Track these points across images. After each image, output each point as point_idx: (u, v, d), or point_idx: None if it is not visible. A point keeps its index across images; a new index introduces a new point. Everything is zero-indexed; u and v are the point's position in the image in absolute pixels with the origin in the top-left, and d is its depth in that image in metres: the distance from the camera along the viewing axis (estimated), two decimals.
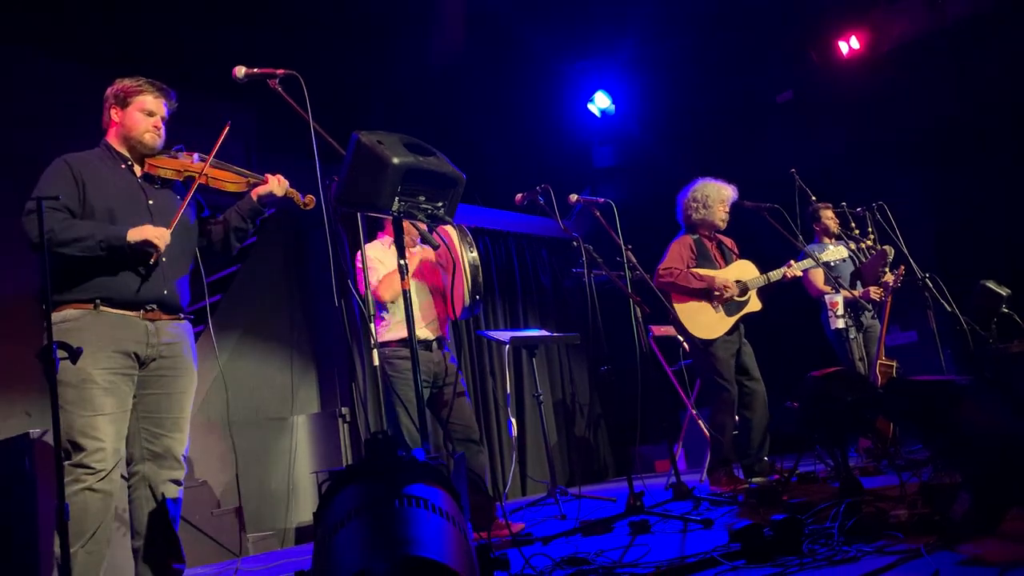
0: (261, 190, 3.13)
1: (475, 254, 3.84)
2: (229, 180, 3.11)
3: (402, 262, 2.80)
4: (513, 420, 6.20)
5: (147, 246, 2.77)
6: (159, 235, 2.78)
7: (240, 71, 2.89)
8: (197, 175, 2.98)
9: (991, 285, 4.99)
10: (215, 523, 4.65)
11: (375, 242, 4.19)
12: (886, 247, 5.18)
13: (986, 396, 2.45)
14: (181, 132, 3.16)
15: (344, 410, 5.66)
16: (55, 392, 2.35)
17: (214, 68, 3.20)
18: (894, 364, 5.11)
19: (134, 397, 2.83)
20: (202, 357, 5.14)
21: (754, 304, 4.82)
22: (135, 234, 2.76)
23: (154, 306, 2.87)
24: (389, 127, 2.88)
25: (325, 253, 2.85)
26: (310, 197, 3.20)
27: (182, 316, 3.00)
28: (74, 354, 2.34)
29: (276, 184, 3.14)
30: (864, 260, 5.41)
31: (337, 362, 5.90)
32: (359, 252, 4.06)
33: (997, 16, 6.40)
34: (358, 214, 3.39)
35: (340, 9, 6.49)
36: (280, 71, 2.90)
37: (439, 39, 7.08)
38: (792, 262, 4.88)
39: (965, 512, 2.35)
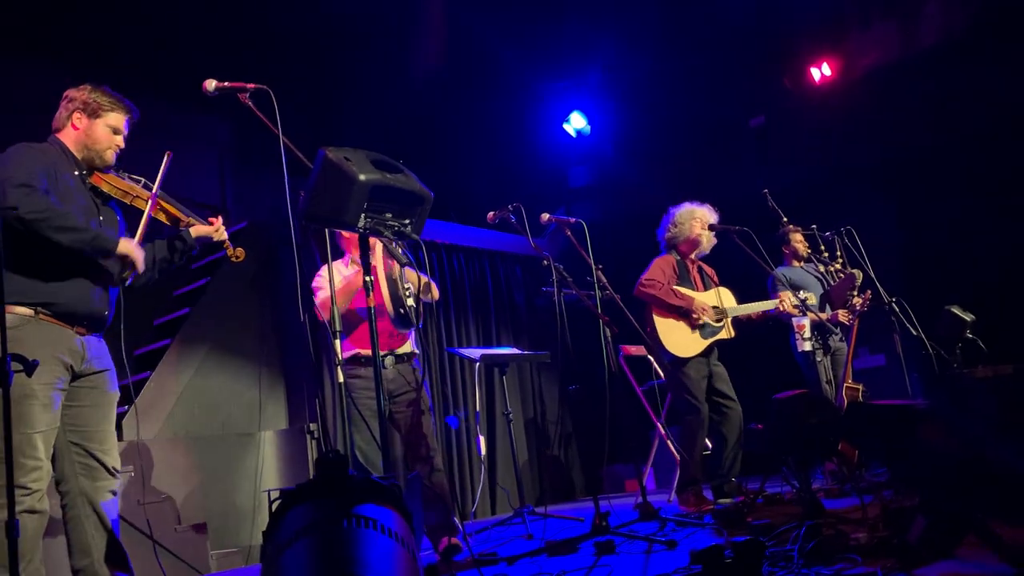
0: (200, 230, 3.09)
1: (400, 268, 3.67)
2: (172, 215, 3.05)
3: (367, 279, 2.79)
4: (482, 438, 6.18)
5: (127, 263, 2.76)
6: (142, 257, 2.80)
7: (211, 84, 2.88)
8: (147, 202, 2.93)
9: (956, 311, 5.06)
10: (178, 539, 4.57)
11: (337, 263, 4.03)
12: (855, 271, 5.23)
13: (943, 421, 2.48)
14: (153, 143, 3.09)
15: (312, 426, 5.60)
16: (8, 408, 2.16)
17: (190, 80, 3.14)
18: (860, 387, 5.15)
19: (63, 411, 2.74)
20: (168, 371, 5.19)
21: (727, 331, 4.87)
22: (124, 247, 2.76)
23: (87, 321, 2.81)
24: (365, 144, 2.87)
25: (295, 268, 2.83)
26: (240, 250, 3.17)
27: (102, 334, 2.96)
28: (29, 367, 2.18)
29: (216, 230, 3.11)
30: (833, 283, 5.47)
31: (306, 378, 5.84)
32: (316, 274, 4.01)
33: (970, 44, 6.50)
34: (326, 231, 3.39)
35: (319, 26, 6.51)
36: (251, 85, 2.89)
37: (417, 58, 7.12)
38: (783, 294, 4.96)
39: (921, 535, 2.37)
